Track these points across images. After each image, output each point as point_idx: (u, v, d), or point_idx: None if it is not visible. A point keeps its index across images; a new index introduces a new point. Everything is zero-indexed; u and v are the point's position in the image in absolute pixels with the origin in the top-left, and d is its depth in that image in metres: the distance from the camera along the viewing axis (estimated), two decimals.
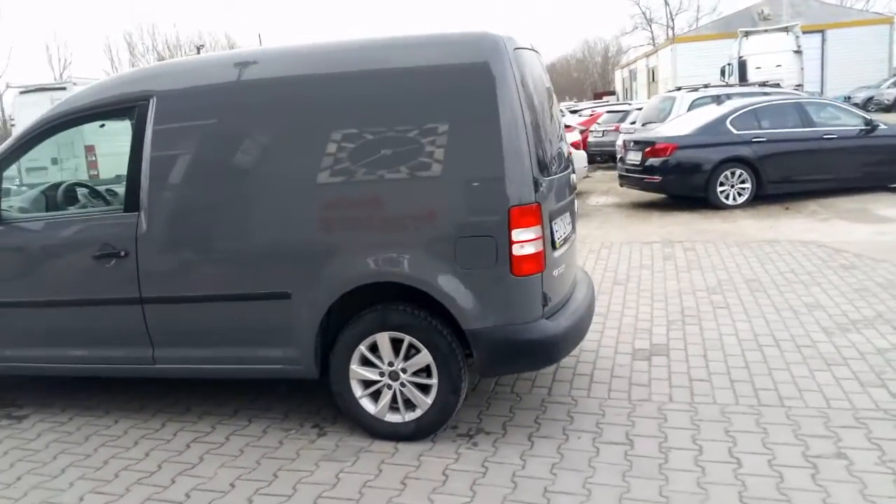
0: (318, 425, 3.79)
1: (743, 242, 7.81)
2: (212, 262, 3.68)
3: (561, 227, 3.75)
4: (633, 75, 48.84)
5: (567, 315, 3.59)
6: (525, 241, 3.30)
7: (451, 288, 3.35)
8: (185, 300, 3.68)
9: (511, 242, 3.28)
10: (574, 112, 24.78)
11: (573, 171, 4.32)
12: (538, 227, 3.35)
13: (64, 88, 12.97)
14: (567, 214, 3.97)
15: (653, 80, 41.93)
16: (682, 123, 11.08)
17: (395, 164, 3.39)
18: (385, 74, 3.45)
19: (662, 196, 11.19)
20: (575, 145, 12.49)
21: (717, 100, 12.26)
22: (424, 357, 3.44)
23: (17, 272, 3.95)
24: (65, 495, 3.26)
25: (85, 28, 79.03)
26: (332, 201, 3.47)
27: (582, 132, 18.80)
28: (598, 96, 45.83)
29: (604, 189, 13.43)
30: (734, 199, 10.13)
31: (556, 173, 3.78)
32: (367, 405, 3.57)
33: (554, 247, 3.56)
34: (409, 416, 3.52)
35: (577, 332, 3.68)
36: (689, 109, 12.65)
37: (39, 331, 3.97)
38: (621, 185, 11.64)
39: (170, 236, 3.68)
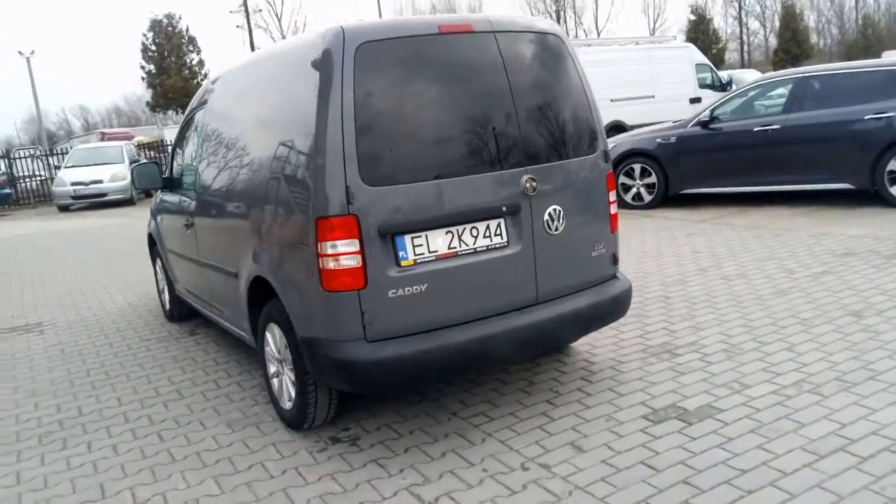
0: None
1: None
2: (213, 242, 4.45)
3: (444, 240, 3.25)
4: None
5: (414, 343, 3.16)
6: (335, 254, 3.08)
7: (289, 293, 3.39)
8: (208, 266, 4.57)
9: (318, 255, 3.12)
10: None
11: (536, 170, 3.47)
12: (353, 241, 3.07)
13: None
14: (496, 223, 3.37)
15: None
16: None
17: (257, 166, 3.65)
18: (253, 81, 3.65)
19: None
20: None
21: None
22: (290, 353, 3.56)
23: (176, 229, 5.33)
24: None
25: None
26: (228, 201, 3.95)
27: None
28: None
29: None
30: None
31: (466, 173, 3.28)
32: (275, 384, 3.85)
33: (398, 263, 3.16)
34: (289, 405, 3.68)
35: (428, 363, 3.19)
36: None
37: (183, 276, 5.37)
38: None
39: (201, 215, 4.57)
